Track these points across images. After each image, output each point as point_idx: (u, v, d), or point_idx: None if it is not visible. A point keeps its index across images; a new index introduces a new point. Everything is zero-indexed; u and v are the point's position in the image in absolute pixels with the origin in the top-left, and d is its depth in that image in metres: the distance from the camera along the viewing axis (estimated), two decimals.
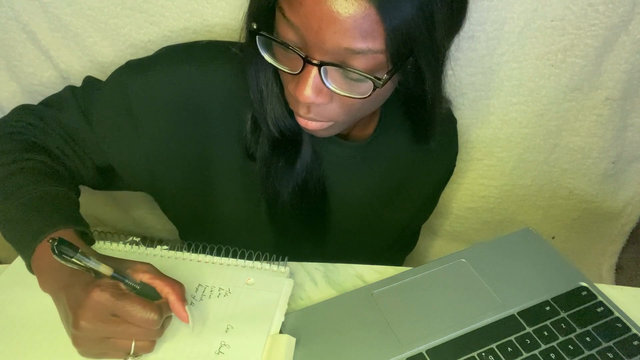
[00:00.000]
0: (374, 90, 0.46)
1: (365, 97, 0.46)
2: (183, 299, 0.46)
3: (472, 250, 0.56)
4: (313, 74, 0.46)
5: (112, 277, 0.44)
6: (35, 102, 0.82)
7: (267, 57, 0.48)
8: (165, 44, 0.75)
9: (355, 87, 0.47)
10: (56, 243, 0.41)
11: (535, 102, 0.78)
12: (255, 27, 0.47)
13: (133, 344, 0.44)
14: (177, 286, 0.46)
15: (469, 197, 0.92)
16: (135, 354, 0.44)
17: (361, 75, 0.45)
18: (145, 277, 0.46)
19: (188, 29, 0.73)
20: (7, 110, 0.82)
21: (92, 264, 0.42)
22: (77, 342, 0.43)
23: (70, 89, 0.62)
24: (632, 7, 0.67)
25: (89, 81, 0.63)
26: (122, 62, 0.76)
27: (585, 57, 0.72)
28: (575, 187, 0.89)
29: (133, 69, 0.59)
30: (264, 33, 0.47)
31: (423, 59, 0.46)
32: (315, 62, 0.45)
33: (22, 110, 0.62)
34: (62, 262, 0.41)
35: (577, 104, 0.78)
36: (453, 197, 0.93)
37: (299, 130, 0.57)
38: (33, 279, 0.51)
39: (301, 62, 0.46)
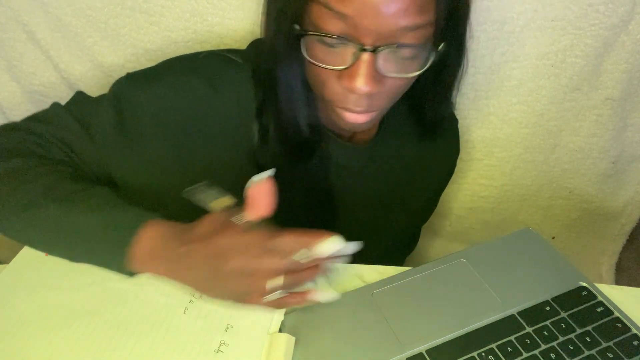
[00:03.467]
0: (426, 63, 0.46)
1: (419, 73, 0.46)
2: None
3: (472, 250, 0.56)
4: (367, 63, 0.44)
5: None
6: (36, 102, 0.83)
7: (311, 58, 0.46)
8: (165, 44, 0.75)
9: (406, 67, 0.46)
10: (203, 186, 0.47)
11: (535, 102, 0.78)
12: (298, 28, 0.45)
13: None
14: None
15: (469, 197, 0.92)
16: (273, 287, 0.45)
17: (417, 49, 0.44)
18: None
19: (188, 29, 0.73)
20: (7, 111, 0.83)
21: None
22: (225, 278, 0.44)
23: (59, 105, 0.58)
24: (632, 7, 0.67)
25: (83, 96, 0.59)
26: (122, 62, 0.77)
27: (585, 57, 0.72)
28: (575, 187, 0.89)
29: (136, 82, 0.56)
30: (313, 32, 0.44)
31: (460, 27, 0.48)
32: (369, 48, 0.43)
33: (7, 128, 0.57)
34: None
35: (577, 104, 0.78)
36: (453, 197, 0.93)
37: (319, 134, 0.56)
38: (33, 279, 0.51)
39: (350, 54, 0.44)
